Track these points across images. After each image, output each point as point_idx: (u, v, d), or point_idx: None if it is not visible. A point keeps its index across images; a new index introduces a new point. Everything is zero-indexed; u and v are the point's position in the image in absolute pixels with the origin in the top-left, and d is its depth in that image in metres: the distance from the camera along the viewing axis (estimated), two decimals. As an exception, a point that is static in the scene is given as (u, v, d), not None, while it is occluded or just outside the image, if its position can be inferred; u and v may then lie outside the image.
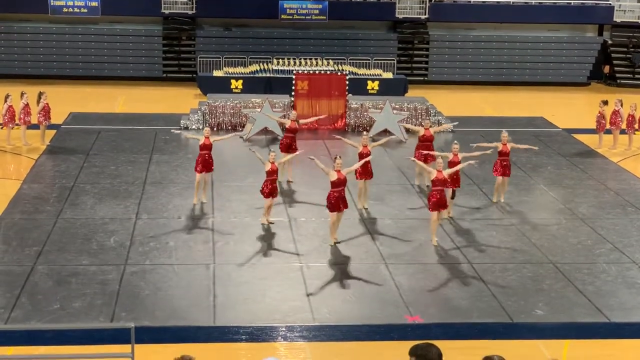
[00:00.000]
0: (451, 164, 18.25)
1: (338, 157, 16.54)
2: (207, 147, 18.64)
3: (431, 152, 19.49)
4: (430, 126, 20.80)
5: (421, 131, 20.63)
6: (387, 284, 14.75)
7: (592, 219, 18.57)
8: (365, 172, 18.41)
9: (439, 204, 16.43)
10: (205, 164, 18.60)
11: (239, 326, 13.02)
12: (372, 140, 21.31)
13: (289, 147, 20.23)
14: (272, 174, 17.30)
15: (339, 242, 16.43)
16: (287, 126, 21.04)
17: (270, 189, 17.23)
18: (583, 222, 18.32)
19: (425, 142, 20.32)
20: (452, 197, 18.33)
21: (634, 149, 25.05)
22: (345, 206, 16.42)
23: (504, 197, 19.60)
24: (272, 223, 17.50)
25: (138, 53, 35.22)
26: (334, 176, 16.19)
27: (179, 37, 35.39)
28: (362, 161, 17.81)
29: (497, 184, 19.61)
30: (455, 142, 18.72)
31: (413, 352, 6.02)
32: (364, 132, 20.35)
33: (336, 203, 16.15)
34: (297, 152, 19.24)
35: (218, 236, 16.88)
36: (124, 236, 16.68)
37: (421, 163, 18.27)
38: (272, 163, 17.33)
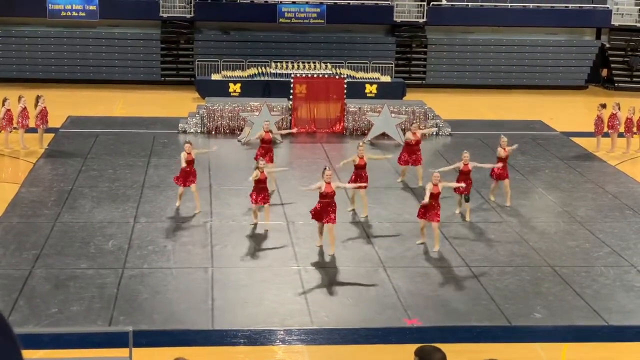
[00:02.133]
0: (462, 173, 18.22)
1: (327, 168, 16.38)
2: (188, 163, 18.45)
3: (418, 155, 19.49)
4: (420, 128, 20.92)
5: (408, 135, 20.89)
6: (385, 287, 14.75)
7: (590, 222, 18.58)
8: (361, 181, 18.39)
9: (434, 213, 16.39)
10: (187, 178, 18.40)
11: (237, 329, 13.01)
12: (370, 144, 21.35)
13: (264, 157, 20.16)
14: (260, 182, 17.23)
15: (321, 246, 16.30)
16: (262, 137, 20.34)
17: (256, 195, 17.19)
18: (581, 226, 18.33)
19: (412, 146, 20.55)
20: (467, 201, 18.32)
21: (631, 152, 25.08)
22: (329, 220, 16.00)
23: (509, 201, 19.50)
24: (254, 224, 17.46)
25: (136, 57, 35.21)
26: (322, 188, 16.04)
27: (177, 41, 35.38)
28: (354, 185, 17.85)
29: (492, 186, 19.66)
30: (465, 151, 18.74)
31: (418, 352, 6.03)
32: (360, 142, 19.95)
33: (317, 213, 16.02)
34: (283, 168, 19.37)
35: (216, 240, 16.87)
36: (122, 240, 16.67)
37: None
38: (262, 172, 17.27)
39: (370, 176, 18.77)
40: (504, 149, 19.37)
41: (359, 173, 18.39)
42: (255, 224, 17.54)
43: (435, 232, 16.53)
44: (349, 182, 18.41)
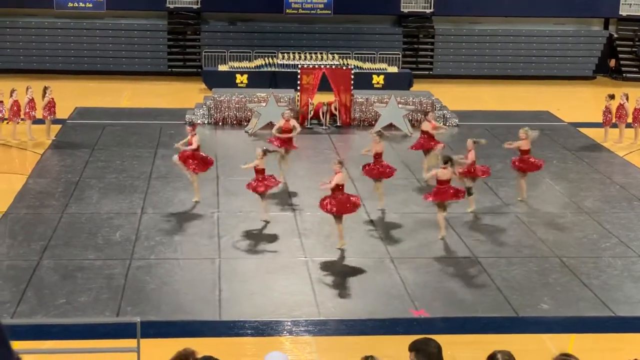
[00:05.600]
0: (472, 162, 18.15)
1: (337, 160, 16.17)
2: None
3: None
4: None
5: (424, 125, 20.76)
6: (392, 278, 14.75)
7: (598, 213, 18.54)
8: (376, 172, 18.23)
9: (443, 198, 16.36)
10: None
11: (244, 320, 13.04)
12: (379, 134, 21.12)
13: (287, 145, 20.01)
14: (260, 171, 17.25)
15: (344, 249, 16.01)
16: (281, 126, 20.26)
17: (258, 185, 17.21)
18: (589, 216, 18.29)
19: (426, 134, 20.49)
20: (470, 194, 18.18)
21: (639, 143, 24.99)
22: (350, 210, 15.83)
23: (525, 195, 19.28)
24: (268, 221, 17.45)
25: (143, 48, 35.22)
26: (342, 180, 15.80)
27: (184, 32, 35.39)
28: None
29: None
30: (469, 139, 18.65)
31: (412, 347, 6.00)
32: (372, 133, 19.53)
33: (339, 208, 15.74)
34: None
35: (223, 231, 16.89)
36: (130, 231, 16.70)
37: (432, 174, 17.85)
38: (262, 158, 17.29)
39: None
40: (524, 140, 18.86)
41: (378, 162, 18.19)
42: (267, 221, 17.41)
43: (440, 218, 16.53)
44: (364, 170, 18.24)
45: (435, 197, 16.41)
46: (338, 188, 15.74)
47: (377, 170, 18.13)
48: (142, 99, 29.99)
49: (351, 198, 15.94)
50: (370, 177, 18.33)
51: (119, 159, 21.96)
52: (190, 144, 18.37)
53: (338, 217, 15.84)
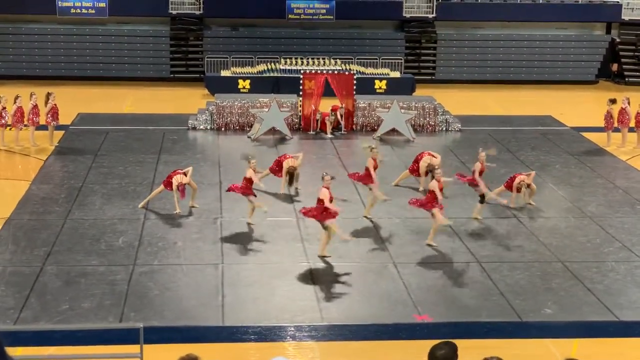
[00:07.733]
0: (481, 173, 18.08)
1: (325, 173, 16.00)
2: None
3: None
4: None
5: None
6: (395, 283, 14.75)
7: (601, 217, 18.52)
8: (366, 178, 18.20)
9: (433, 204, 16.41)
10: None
11: (247, 326, 13.03)
12: (380, 139, 21.08)
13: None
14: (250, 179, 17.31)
15: (327, 257, 15.84)
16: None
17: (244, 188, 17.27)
18: (592, 221, 18.28)
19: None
20: (481, 202, 18.12)
21: (642, 147, 24.99)
22: (331, 216, 15.62)
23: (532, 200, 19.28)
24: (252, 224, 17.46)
25: (146, 53, 35.27)
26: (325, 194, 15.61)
27: (187, 38, 35.43)
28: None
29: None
30: (481, 149, 18.60)
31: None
32: (372, 146, 19.08)
33: (317, 215, 15.62)
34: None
35: (226, 236, 16.89)
36: (133, 236, 16.70)
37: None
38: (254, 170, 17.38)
39: (380, 172, 18.67)
40: (518, 189, 18.80)
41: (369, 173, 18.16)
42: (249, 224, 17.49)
43: (434, 224, 16.49)
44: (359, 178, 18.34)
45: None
46: (321, 201, 15.59)
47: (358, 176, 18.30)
48: (145, 105, 30.01)
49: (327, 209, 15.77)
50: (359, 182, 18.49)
51: (122, 164, 21.97)
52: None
53: (323, 225, 15.74)
